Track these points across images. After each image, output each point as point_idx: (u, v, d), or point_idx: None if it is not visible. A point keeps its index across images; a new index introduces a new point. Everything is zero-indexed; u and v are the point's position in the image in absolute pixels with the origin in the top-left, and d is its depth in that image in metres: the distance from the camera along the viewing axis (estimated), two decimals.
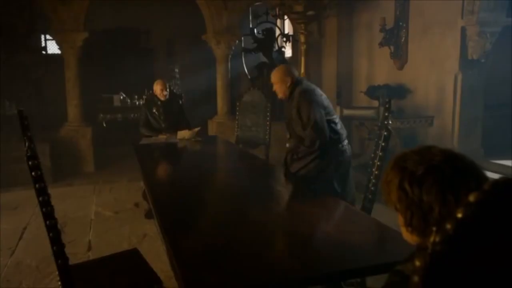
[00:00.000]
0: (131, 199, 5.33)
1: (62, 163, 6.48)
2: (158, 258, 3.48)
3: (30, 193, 5.10)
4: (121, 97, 8.89)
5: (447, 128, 5.22)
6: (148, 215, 4.68)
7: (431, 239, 1.00)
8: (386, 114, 2.79)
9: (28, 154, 1.96)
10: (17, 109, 2.20)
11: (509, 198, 1.02)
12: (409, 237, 1.25)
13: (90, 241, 4.18)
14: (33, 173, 1.96)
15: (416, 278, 1.04)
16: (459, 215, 1.00)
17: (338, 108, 5.56)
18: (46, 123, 6.96)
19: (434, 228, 1.00)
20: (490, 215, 1.02)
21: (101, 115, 8.58)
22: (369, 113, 5.54)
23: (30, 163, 1.95)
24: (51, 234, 2.01)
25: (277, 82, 3.58)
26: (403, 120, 5.37)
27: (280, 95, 3.61)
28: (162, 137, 5.04)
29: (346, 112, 5.68)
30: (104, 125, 8.51)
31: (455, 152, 1.20)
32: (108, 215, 4.90)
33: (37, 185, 1.97)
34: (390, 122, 2.76)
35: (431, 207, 1.13)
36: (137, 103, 8.70)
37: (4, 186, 5.58)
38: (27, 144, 1.99)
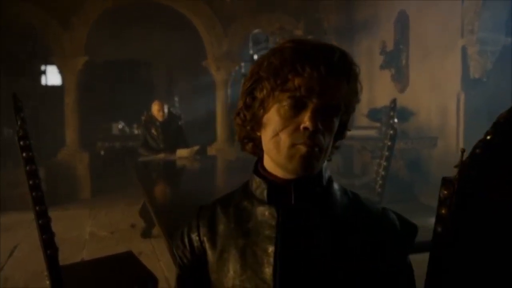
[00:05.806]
0: (127, 221, 5.15)
1: (58, 188, 6.31)
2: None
3: (24, 217, 5.04)
4: (120, 126, 8.82)
5: (451, 149, 5.10)
6: (144, 234, 4.53)
7: (460, 159, 0.93)
8: (392, 113, 2.72)
9: (20, 134, 1.86)
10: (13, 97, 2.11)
11: None
12: None
13: (83, 259, 4.00)
14: (24, 154, 1.85)
15: (443, 210, 0.95)
16: (488, 137, 0.94)
17: None
18: (42, 150, 6.84)
19: (461, 149, 0.94)
20: None
21: (99, 144, 8.47)
22: (372, 132, 5.46)
23: (21, 143, 1.85)
24: (37, 208, 1.88)
25: None
26: (407, 141, 5.29)
27: None
28: (160, 156, 4.95)
29: (348, 132, 5.60)
30: (102, 153, 8.39)
31: None
32: (103, 235, 4.73)
33: (27, 167, 1.86)
34: (395, 120, 2.68)
35: None
36: (136, 132, 8.62)
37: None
38: (19, 123, 1.89)
